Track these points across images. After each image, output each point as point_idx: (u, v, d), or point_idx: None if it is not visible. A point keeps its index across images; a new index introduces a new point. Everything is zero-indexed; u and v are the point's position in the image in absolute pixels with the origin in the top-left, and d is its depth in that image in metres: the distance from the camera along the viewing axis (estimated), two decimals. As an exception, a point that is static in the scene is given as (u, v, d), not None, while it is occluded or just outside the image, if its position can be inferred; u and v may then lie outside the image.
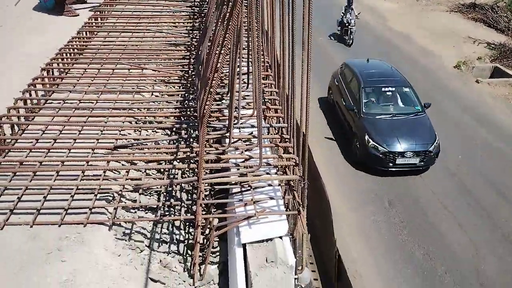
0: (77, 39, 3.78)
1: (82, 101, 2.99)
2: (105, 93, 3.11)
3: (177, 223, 2.56)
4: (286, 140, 2.46)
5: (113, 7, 4.70)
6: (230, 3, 1.81)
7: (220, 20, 1.92)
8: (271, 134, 2.62)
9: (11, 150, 2.50)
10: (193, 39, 3.86)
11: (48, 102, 2.99)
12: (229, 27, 1.76)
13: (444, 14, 16.16)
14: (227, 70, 2.57)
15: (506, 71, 11.44)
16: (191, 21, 4.31)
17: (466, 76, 11.88)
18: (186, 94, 3.02)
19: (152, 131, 2.91)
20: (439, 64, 12.29)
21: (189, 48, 3.69)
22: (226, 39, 1.83)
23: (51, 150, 2.50)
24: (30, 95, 2.91)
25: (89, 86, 3.17)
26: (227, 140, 2.55)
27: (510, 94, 11.11)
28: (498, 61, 12.16)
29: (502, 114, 10.17)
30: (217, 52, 1.95)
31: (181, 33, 4.02)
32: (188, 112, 2.80)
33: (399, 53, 13.27)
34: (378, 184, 7.23)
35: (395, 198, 6.89)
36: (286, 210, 2.28)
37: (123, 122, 2.81)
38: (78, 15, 4.85)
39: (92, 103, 2.96)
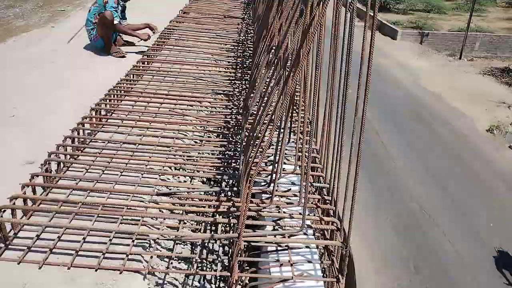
0: (124, 81, 3.93)
1: (124, 142, 3.07)
2: (147, 136, 3.19)
3: (208, 276, 2.52)
4: (327, 201, 2.44)
5: (159, 52, 4.90)
6: (288, 67, 1.86)
7: (275, 81, 1.97)
8: (311, 193, 2.61)
9: (55, 187, 2.55)
10: (235, 89, 3.96)
11: (93, 141, 3.08)
12: (285, 90, 1.80)
13: (477, 77, 16.22)
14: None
15: (541, 139, 11.25)
16: (233, 71, 4.44)
17: (499, 141, 11.71)
18: (228, 145, 3.06)
19: (191, 179, 2.95)
20: (471, 127, 12.18)
21: (230, 98, 3.78)
22: (280, 100, 1.87)
23: (92, 192, 2.54)
24: (78, 133, 3.00)
25: (131, 129, 3.26)
26: (263, 195, 2.55)
27: (546, 163, 10.83)
28: (533, 128, 11.98)
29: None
30: (269, 112, 2.00)
31: (223, 82, 4.14)
32: (229, 164, 2.82)
33: (429, 112, 13.25)
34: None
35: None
36: (324, 276, 2.22)
37: (163, 167, 2.86)
38: (125, 56, 5.07)
39: (134, 145, 3.03)
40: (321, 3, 1.53)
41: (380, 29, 21.51)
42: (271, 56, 2.36)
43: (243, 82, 4.13)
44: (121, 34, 5.44)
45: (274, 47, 2.42)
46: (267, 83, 2.24)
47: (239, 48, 5.11)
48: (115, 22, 5.03)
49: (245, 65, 4.57)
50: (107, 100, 3.55)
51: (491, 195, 9.17)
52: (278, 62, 2.06)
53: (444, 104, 13.50)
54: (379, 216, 8.08)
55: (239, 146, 2.97)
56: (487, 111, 13.13)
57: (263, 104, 2.10)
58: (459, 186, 9.33)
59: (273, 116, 1.96)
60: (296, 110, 2.47)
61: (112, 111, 3.52)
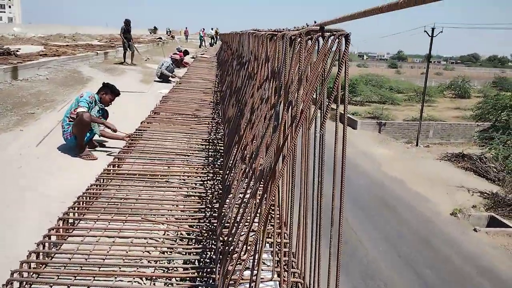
0: (94, 186, 3.84)
1: (92, 253, 2.90)
2: (116, 245, 3.03)
3: None
4: (308, 312, 2.32)
5: (130, 154, 4.88)
6: (266, 179, 1.87)
7: (251, 194, 1.97)
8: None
9: (14, 311, 2.32)
10: (207, 190, 3.93)
11: (59, 253, 2.89)
12: (263, 204, 1.79)
13: (435, 162, 17.01)
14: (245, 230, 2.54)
15: (503, 221, 11.58)
16: (205, 171, 4.44)
17: (464, 224, 11.96)
18: (202, 252, 2.94)
19: (164, 292, 2.76)
20: (435, 211, 12.47)
21: (203, 200, 3.73)
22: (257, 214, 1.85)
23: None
24: (44, 247, 2.83)
25: (99, 238, 3.10)
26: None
27: (510, 244, 11.04)
28: (493, 210, 12.39)
29: (504, 266, 9.96)
30: (246, 223, 1.96)
31: (195, 184, 4.11)
32: (205, 274, 2.69)
33: (394, 198, 13.57)
34: None
35: None
36: None
37: (133, 280, 2.69)
38: (96, 158, 5.02)
39: (102, 258, 2.86)
40: (294, 124, 1.59)
41: (340, 119, 22.77)
42: (244, 165, 2.38)
43: (215, 183, 4.12)
44: (94, 139, 5.47)
45: (247, 156, 2.46)
46: (242, 193, 2.23)
47: (210, 147, 5.18)
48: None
49: (216, 165, 4.59)
50: (75, 208, 3.41)
51: (464, 279, 9.12)
52: (253, 174, 2.08)
53: (406, 189, 13.90)
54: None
55: (214, 253, 2.86)
56: (448, 195, 13.57)
57: (238, 217, 2.07)
58: (433, 271, 9.25)
59: (250, 228, 1.92)
60: (272, 216, 2.45)
61: (78, 220, 3.37)
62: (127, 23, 15.04)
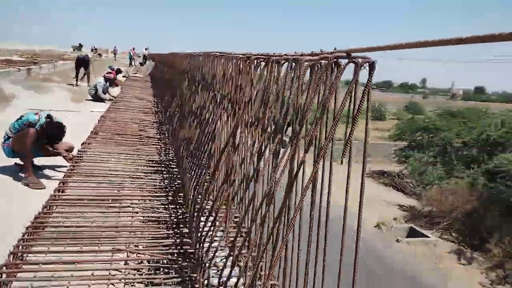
0: (42, 214, 3.41)
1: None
2: (75, 281, 2.69)
3: None
4: None
5: (74, 177, 4.43)
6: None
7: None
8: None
9: None
10: (172, 215, 3.66)
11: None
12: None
13: (357, 177, 17.86)
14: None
15: (421, 231, 12.42)
16: (165, 194, 4.15)
17: (387, 235, 12.61)
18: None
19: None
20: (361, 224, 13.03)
21: (168, 225, 3.47)
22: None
23: None
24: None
25: (53, 275, 2.72)
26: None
27: (428, 252, 11.84)
28: (411, 221, 13.24)
29: (425, 273, 10.65)
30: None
31: (157, 208, 3.82)
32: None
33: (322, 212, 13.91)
34: None
35: None
36: None
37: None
38: (44, 187, 4.48)
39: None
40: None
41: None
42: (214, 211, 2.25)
43: (177, 207, 3.86)
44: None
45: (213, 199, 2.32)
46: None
47: (163, 169, 4.89)
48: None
49: (174, 188, 4.32)
50: (25, 240, 2.99)
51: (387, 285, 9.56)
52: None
53: (332, 202, 14.38)
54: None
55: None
56: (371, 209, 14.25)
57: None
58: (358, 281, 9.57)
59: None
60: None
61: (25, 255, 2.93)
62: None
